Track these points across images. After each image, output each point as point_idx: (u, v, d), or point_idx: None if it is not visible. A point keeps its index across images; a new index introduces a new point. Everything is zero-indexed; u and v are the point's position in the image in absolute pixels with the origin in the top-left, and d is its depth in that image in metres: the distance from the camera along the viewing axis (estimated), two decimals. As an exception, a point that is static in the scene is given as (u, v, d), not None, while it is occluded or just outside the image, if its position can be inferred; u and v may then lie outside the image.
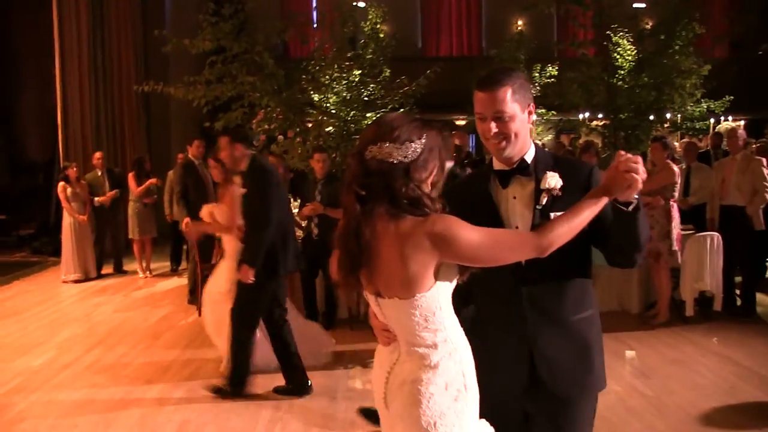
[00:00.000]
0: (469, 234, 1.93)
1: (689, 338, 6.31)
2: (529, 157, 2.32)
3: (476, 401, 2.10)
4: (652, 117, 8.18)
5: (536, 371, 2.29)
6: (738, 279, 7.27)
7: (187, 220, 7.69)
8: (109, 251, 10.19)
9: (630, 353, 5.96)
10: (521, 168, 2.31)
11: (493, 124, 2.21)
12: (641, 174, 2.01)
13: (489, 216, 2.28)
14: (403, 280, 1.93)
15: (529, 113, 2.29)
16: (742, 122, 12.64)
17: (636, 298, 7.14)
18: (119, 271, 10.10)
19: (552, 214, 2.20)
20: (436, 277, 1.96)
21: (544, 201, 2.26)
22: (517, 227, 2.28)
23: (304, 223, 6.84)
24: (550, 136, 15.78)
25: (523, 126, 2.25)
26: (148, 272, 9.79)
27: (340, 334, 6.58)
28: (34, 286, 9.43)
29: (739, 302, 7.19)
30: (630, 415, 4.58)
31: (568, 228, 2.01)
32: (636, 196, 2.08)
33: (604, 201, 2.06)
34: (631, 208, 2.09)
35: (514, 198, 2.32)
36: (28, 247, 12.12)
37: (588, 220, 2.05)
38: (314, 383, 5.19)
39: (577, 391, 2.34)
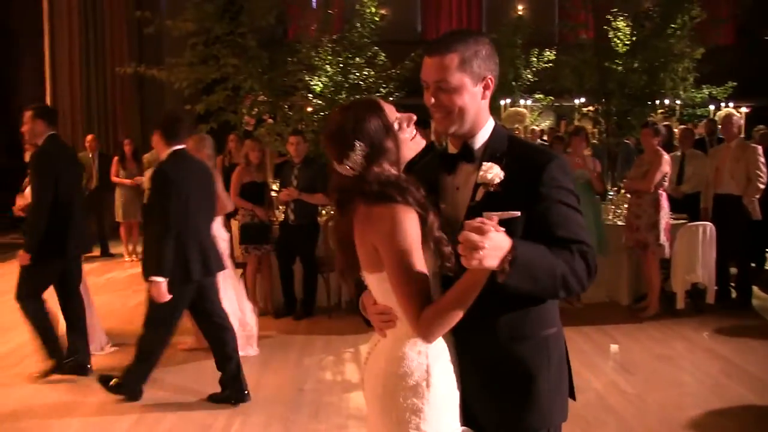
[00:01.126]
0: (394, 255, 1.82)
1: (679, 332, 6.09)
2: (479, 140, 1.97)
3: (448, 404, 1.91)
4: (649, 102, 7.90)
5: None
6: (734, 270, 7.03)
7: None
8: (93, 234, 10.05)
9: (614, 347, 5.75)
10: (465, 153, 1.99)
11: (432, 96, 1.92)
12: (475, 244, 1.59)
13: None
14: (363, 255, 1.92)
15: (485, 87, 1.94)
16: (746, 109, 12.32)
17: (625, 289, 6.91)
18: (106, 254, 10.03)
19: (485, 214, 1.76)
20: None
21: (478, 197, 1.91)
22: (461, 223, 1.82)
23: (282, 208, 6.64)
24: (548, 122, 15.52)
25: (472, 101, 1.92)
26: (134, 255, 9.67)
27: (317, 322, 6.44)
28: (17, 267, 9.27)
29: (734, 294, 6.96)
30: (607, 414, 4.36)
31: (451, 312, 1.76)
32: (513, 255, 1.66)
33: (477, 273, 1.69)
34: (499, 279, 1.68)
35: (457, 189, 1.99)
36: (21, 228, 11.96)
37: (476, 292, 1.73)
38: (281, 373, 5.01)
39: None
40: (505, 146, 1.96)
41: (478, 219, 1.64)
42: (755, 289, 7.19)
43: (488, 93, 1.97)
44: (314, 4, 9.34)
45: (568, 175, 1.93)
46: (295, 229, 6.45)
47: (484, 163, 1.91)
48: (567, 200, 1.88)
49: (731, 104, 11.49)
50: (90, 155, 9.72)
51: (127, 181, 9.43)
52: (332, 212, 7.03)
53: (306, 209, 6.44)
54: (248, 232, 6.42)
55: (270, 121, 8.74)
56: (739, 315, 6.59)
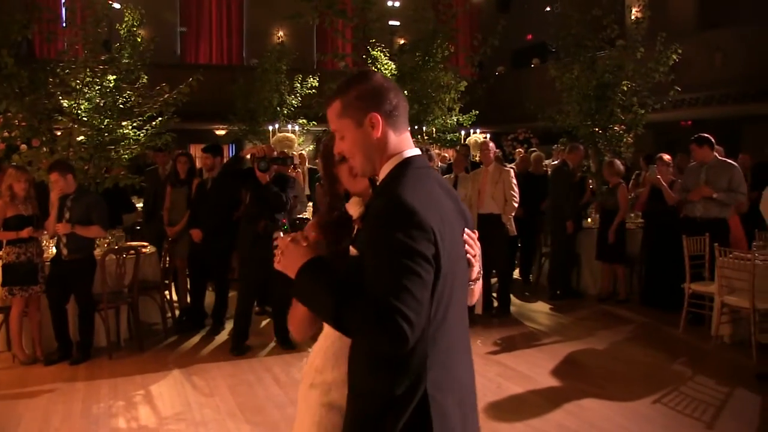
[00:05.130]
0: None
1: (456, 341, 6.60)
2: (381, 176, 1.92)
3: None
4: (416, 127, 8.51)
5: None
6: (494, 281, 7.83)
7: None
8: None
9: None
10: (372, 186, 2.05)
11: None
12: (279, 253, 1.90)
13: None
14: None
15: (372, 126, 1.88)
16: (488, 135, 13.87)
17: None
18: None
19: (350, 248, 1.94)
20: None
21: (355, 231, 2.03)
22: None
23: (53, 242, 6.00)
24: (311, 147, 15.97)
25: (363, 142, 1.89)
26: None
27: (97, 365, 5.95)
28: None
29: (495, 304, 7.74)
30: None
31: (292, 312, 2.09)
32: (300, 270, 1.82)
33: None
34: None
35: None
36: None
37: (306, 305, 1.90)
38: (68, 428, 4.53)
39: None
40: (388, 180, 1.89)
41: (293, 234, 1.90)
42: (511, 296, 8.08)
43: (379, 130, 1.89)
44: (64, 21, 8.51)
45: (396, 217, 1.70)
46: (68, 264, 5.87)
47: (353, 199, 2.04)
48: (389, 247, 1.67)
49: (478, 131, 12.83)
50: None
51: None
52: (113, 246, 6.49)
53: (80, 243, 5.90)
54: (13, 272, 5.71)
55: (24, 147, 7.82)
56: (503, 322, 7.38)
